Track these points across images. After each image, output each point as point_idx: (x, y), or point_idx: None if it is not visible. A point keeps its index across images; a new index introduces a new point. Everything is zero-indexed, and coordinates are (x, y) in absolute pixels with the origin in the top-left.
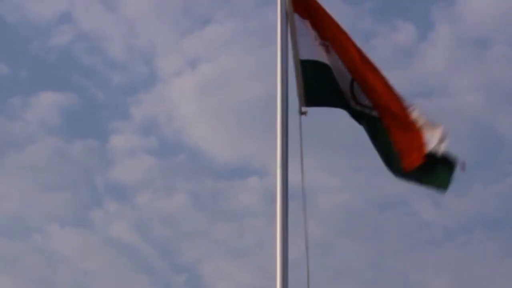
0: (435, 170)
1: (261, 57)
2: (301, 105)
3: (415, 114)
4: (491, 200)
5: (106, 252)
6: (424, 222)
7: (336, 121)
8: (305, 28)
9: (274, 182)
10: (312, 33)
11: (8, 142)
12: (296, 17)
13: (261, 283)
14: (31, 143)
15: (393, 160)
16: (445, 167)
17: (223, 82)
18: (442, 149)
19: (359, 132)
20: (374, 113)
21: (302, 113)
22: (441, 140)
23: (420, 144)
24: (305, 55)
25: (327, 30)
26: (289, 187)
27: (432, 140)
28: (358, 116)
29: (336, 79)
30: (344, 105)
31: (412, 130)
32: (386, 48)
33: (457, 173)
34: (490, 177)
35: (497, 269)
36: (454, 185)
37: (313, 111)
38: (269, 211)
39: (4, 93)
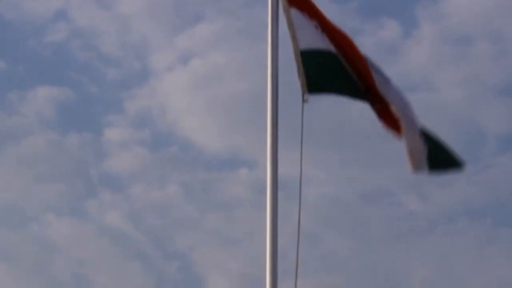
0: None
1: (250, 54)
2: (303, 92)
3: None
4: (474, 191)
5: (100, 240)
6: (408, 213)
7: (322, 115)
8: (303, 20)
9: (263, 173)
10: (312, 23)
11: (6, 135)
12: (293, 11)
13: (251, 271)
14: (28, 136)
15: None
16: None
17: (214, 77)
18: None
19: (345, 126)
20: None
21: (304, 100)
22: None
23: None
24: (304, 46)
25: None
26: (278, 178)
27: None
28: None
29: (342, 63)
30: (350, 89)
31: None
32: (373, 45)
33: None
34: (473, 169)
35: (480, 257)
36: (438, 177)
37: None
38: (259, 202)
39: (2, 88)
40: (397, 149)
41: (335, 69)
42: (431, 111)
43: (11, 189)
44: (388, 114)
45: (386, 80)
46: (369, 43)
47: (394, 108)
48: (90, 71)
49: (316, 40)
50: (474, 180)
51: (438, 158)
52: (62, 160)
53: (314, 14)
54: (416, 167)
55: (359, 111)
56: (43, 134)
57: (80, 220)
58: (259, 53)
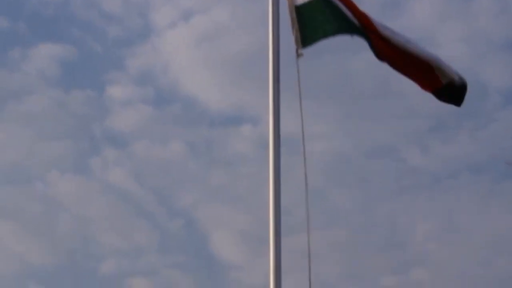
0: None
1: (253, 10)
2: (297, 47)
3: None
4: (476, 146)
5: (105, 198)
6: (411, 168)
7: (327, 70)
8: None
9: (266, 130)
10: None
11: (8, 93)
12: None
13: (255, 228)
14: (31, 94)
15: None
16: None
17: (216, 34)
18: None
19: (349, 82)
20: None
21: (298, 55)
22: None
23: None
24: (300, 1)
25: None
26: (282, 134)
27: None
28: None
29: (337, 5)
30: (346, 27)
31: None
32: (376, 1)
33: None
34: (476, 124)
35: (482, 211)
36: (441, 133)
37: (303, 59)
38: (263, 158)
39: (4, 46)
40: (400, 104)
41: (330, 13)
42: None
43: (14, 147)
44: (389, 50)
45: (391, 30)
46: None
47: (398, 41)
48: (92, 29)
49: None
50: (476, 134)
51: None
52: (65, 117)
53: None
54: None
55: (363, 66)
56: (46, 91)
57: (84, 177)
58: (261, 8)
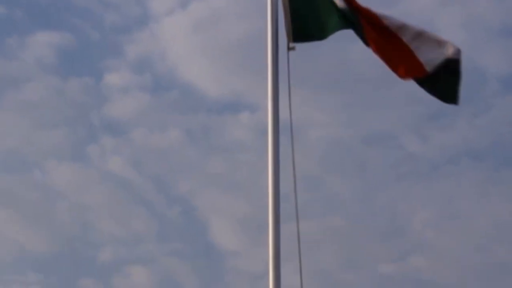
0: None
1: None
2: (289, 41)
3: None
4: (475, 132)
5: (103, 186)
6: (410, 155)
7: (325, 58)
8: None
9: (265, 117)
10: None
11: (6, 81)
12: None
13: (254, 215)
14: (28, 82)
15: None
16: (452, 78)
17: (214, 21)
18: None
19: (347, 69)
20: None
21: (290, 48)
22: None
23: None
24: None
25: None
26: (280, 122)
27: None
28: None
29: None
30: (337, 24)
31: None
32: None
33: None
34: (474, 110)
35: (482, 198)
36: (439, 119)
37: (302, 47)
38: (261, 145)
39: (1, 33)
40: (398, 92)
41: (323, 6)
42: None
43: (12, 135)
44: (375, 34)
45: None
46: None
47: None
48: (90, 16)
49: None
50: (475, 121)
51: (442, 82)
52: (63, 105)
53: None
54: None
55: (361, 54)
56: (43, 79)
57: (82, 165)
58: None
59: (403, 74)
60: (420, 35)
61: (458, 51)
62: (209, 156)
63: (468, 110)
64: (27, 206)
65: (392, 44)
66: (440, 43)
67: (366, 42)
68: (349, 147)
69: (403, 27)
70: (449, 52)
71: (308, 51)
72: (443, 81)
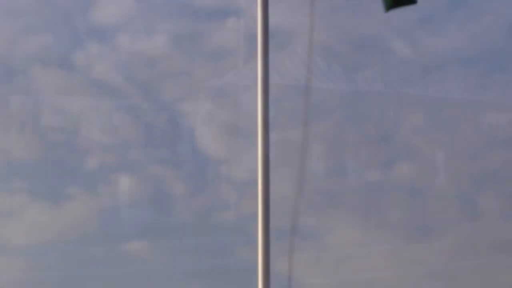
0: None
1: None
2: None
3: None
4: (466, 38)
5: (89, 93)
6: (399, 61)
7: None
8: None
9: (253, 23)
10: None
11: None
12: None
13: (241, 123)
14: None
15: None
16: None
17: None
18: None
19: None
20: None
21: None
22: None
23: None
24: None
25: None
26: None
27: None
28: None
29: None
30: None
31: None
32: None
33: None
34: (465, 15)
35: (472, 105)
36: (429, 24)
37: None
38: (248, 52)
39: None
40: None
41: None
42: None
43: None
44: None
45: None
46: None
47: None
48: None
49: None
50: (466, 26)
51: None
52: (46, 10)
53: None
54: None
55: None
56: None
57: (67, 71)
58: None
59: None
60: None
61: None
62: (196, 62)
63: (459, 15)
64: (11, 112)
65: None
66: None
67: None
68: (339, 52)
69: None
70: None
71: None
72: None
